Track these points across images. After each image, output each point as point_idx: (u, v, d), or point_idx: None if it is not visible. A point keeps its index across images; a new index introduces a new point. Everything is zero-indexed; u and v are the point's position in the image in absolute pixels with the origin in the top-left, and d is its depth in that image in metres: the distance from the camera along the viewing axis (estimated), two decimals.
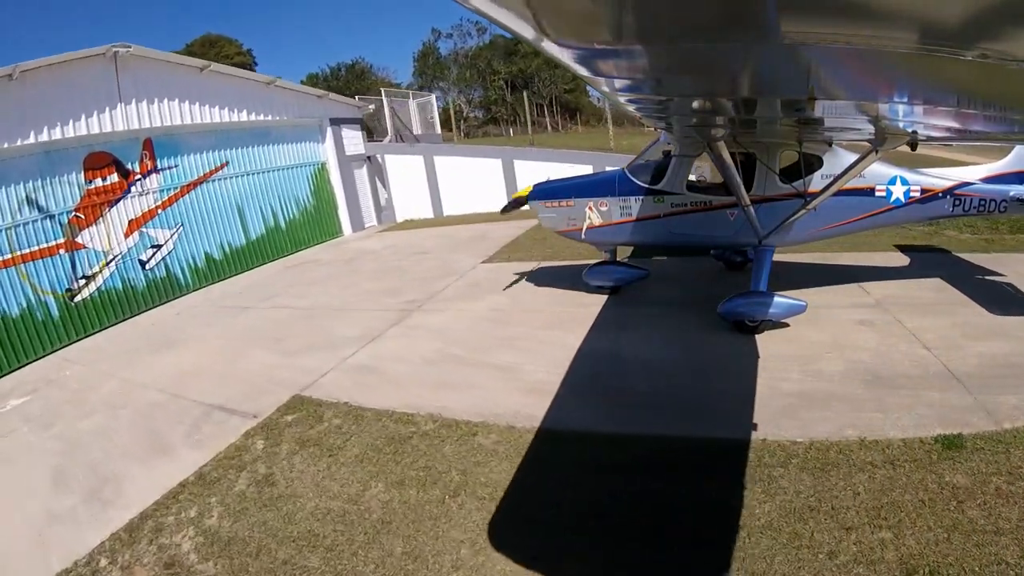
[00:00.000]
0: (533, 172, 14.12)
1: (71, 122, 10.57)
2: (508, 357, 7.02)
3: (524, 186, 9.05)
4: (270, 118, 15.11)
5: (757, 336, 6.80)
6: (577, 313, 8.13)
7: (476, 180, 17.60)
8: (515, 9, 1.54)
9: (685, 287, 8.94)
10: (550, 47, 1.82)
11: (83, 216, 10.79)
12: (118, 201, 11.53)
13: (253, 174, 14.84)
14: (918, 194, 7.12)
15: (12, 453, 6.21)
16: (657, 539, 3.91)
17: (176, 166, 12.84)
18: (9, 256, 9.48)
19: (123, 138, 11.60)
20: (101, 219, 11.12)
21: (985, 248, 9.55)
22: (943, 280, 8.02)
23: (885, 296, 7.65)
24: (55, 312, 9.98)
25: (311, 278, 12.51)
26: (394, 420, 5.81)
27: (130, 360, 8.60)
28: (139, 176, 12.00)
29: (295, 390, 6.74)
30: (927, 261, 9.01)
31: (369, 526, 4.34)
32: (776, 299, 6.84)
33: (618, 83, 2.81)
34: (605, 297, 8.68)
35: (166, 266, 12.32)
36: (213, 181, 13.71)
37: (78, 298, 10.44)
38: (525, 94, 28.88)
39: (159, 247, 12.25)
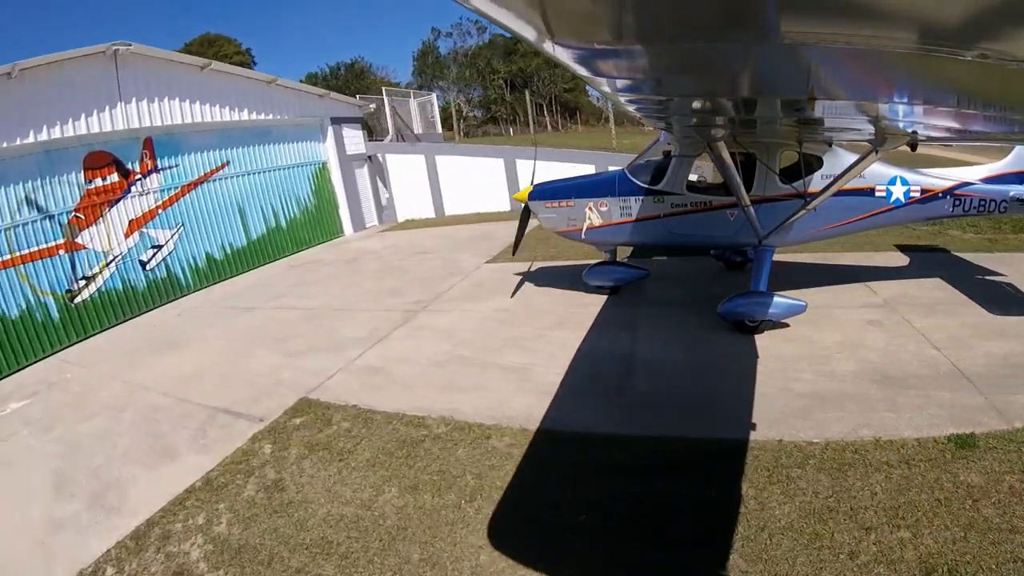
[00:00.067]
0: (536, 171, 14.06)
1: (71, 121, 10.54)
2: (518, 358, 6.98)
3: (524, 186, 9.05)
4: (271, 117, 15.09)
5: (768, 337, 6.80)
6: (586, 313, 8.12)
7: (478, 180, 17.61)
8: (515, 9, 1.54)
9: (685, 287, 8.94)
10: (550, 47, 1.82)
11: (83, 216, 10.77)
12: (118, 201, 11.51)
13: (254, 173, 14.82)
14: (918, 194, 7.13)
15: (13, 457, 6.11)
16: (657, 539, 3.91)
17: (176, 165, 12.82)
18: (8, 257, 9.45)
19: (123, 137, 11.58)
20: (101, 219, 11.10)
21: (988, 248, 9.57)
22: (943, 280, 8.03)
23: (893, 296, 7.66)
24: (55, 313, 9.95)
25: (313, 278, 12.49)
26: (405, 423, 5.75)
27: (131, 362, 8.56)
28: (139, 176, 11.97)
29: (302, 392, 6.67)
30: (927, 261, 9.03)
31: (384, 532, 4.26)
32: (776, 299, 6.84)
33: (618, 83, 2.81)
34: (606, 297, 8.68)
35: (167, 266, 12.30)
36: (214, 181, 13.68)
37: (78, 299, 10.41)
38: (527, 93, 28.88)
39: (160, 247, 12.23)
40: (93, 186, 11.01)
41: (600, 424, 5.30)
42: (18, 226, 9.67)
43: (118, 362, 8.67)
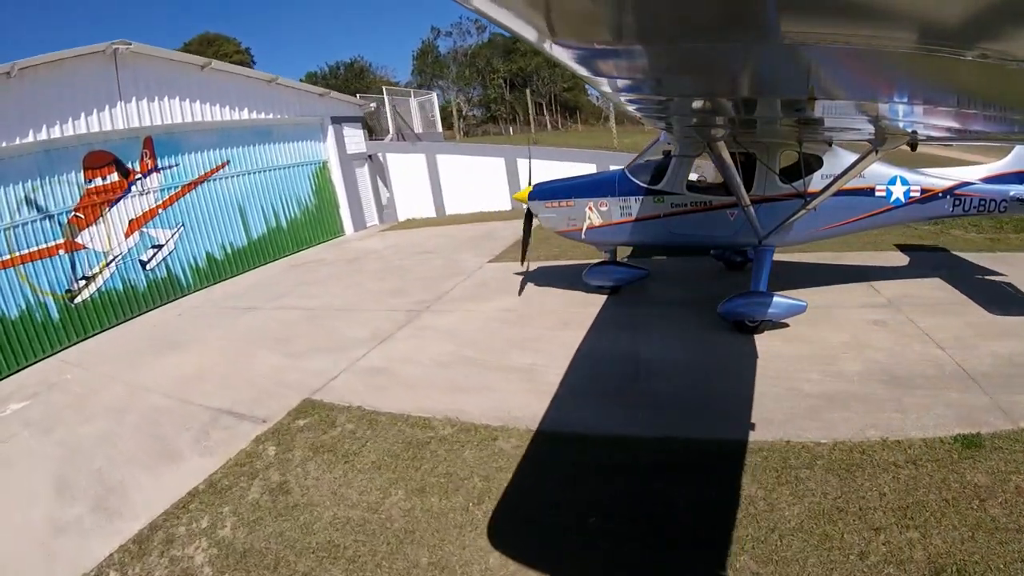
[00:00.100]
0: (537, 171, 14.07)
1: (70, 120, 10.53)
2: (523, 359, 6.96)
3: (525, 186, 9.05)
4: (271, 116, 15.08)
5: (773, 337, 6.79)
6: (587, 313, 8.11)
7: (479, 179, 17.59)
8: (515, 9, 1.54)
9: (685, 287, 8.93)
10: (550, 47, 1.82)
11: (83, 216, 10.76)
12: (118, 201, 11.51)
13: (254, 173, 14.82)
14: (918, 194, 7.12)
15: (13, 459, 6.07)
16: (657, 539, 3.91)
17: (177, 165, 12.82)
18: (8, 257, 9.44)
19: (123, 137, 11.57)
20: (101, 219, 11.10)
21: (990, 247, 9.57)
22: (944, 280, 8.03)
23: (896, 296, 7.66)
24: (55, 314, 9.95)
25: (314, 278, 12.48)
26: (410, 424, 5.70)
27: (132, 362, 8.53)
28: (139, 175, 11.97)
29: (305, 393, 6.63)
30: (927, 260, 9.03)
31: (391, 535, 4.22)
32: (776, 299, 6.84)
33: (618, 83, 2.81)
34: (605, 297, 8.67)
35: (167, 266, 12.30)
36: (214, 180, 13.68)
37: (78, 299, 10.41)
38: (528, 92, 28.84)
39: (160, 247, 12.23)
40: (93, 186, 11.01)
41: (600, 424, 5.30)
42: (18, 226, 9.67)
43: (119, 363, 8.66)
